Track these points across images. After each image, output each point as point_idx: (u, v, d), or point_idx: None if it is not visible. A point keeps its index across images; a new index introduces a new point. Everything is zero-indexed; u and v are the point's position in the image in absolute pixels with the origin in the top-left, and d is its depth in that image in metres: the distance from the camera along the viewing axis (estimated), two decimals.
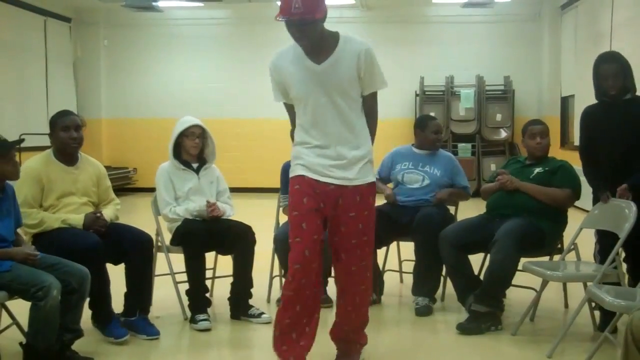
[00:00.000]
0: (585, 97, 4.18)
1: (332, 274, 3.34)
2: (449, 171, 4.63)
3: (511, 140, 11.16)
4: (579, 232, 3.93)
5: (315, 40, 2.95)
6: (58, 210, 3.73)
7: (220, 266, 4.65)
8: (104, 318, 3.75)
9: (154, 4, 10.45)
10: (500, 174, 4.19)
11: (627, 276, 3.77)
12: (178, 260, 4.14)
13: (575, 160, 4.08)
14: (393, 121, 10.24)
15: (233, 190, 4.54)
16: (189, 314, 4.11)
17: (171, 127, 4.31)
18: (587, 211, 3.98)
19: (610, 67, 3.76)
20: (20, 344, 3.27)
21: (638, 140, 3.71)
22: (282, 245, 4.10)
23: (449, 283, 4.35)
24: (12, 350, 3.43)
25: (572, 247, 3.93)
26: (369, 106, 3.14)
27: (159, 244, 4.25)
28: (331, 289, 4.40)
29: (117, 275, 3.86)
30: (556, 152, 7.97)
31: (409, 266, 4.70)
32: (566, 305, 4.43)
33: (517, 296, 4.42)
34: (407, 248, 4.74)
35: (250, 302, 4.21)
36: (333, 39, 3.02)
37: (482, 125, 11.19)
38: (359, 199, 3.07)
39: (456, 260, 4.14)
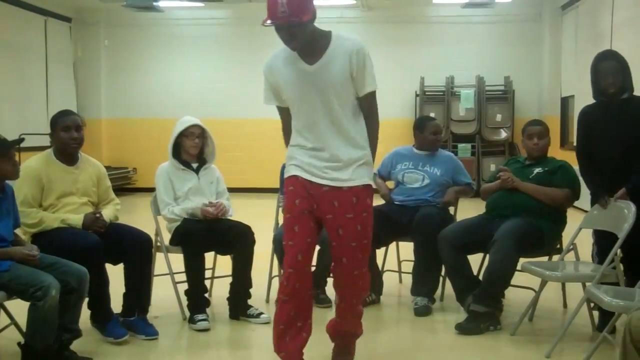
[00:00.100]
0: (585, 97, 4.17)
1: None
2: (450, 170, 4.63)
3: (511, 140, 11.16)
4: (578, 232, 3.94)
5: (306, 42, 2.89)
6: (58, 210, 3.73)
7: (219, 266, 4.65)
8: (103, 318, 3.75)
9: (154, 4, 10.45)
10: (502, 171, 4.19)
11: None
12: (177, 260, 4.14)
13: (575, 161, 4.08)
14: (393, 121, 10.23)
15: (233, 190, 4.54)
16: (187, 314, 4.11)
17: (171, 127, 4.31)
18: (586, 211, 3.98)
19: (609, 65, 3.76)
20: (19, 344, 3.28)
21: (636, 140, 3.71)
22: (281, 245, 4.06)
23: (448, 283, 4.35)
24: (11, 351, 3.43)
25: (571, 247, 3.93)
26: (367, 107, 3.06)
27: (158, 244, 4.25)
28: (330, 289, 4.41)
29: (116, 275, 3.86)
30: (556, 152, 7.96)
31: (408, 266, 4.71)
32: (565, 306, 4.43)
33: (516, 296, 4.42)
34: (407, 248, 4.74)
35: (249, 302, 4.21)
36: (325, 39, 2.96)
37: (482, 126, 11.19)
38: (355, 200, 2.99)
39: (455, 261, 4.14)
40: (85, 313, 3.57)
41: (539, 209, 4.01)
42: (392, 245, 4.85)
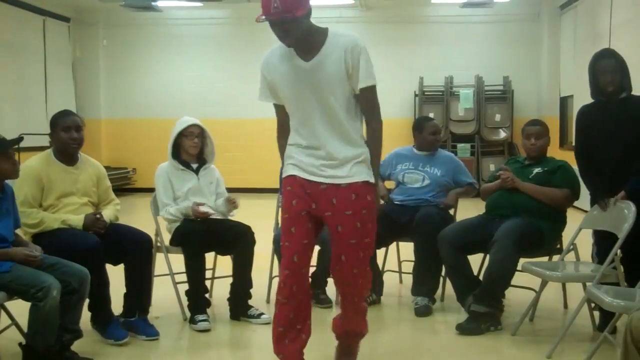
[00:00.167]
0: (584, 97, 4.17)
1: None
2: (450, 171, 4.63)
3: (510, 140, 11.17)
4: (578, 232, 3.94)
5: (300, 38, 2.87)
6: (58, 211, 3.73)
7: (219, 266, 4.65)
8: (103, 320, 3.75)
9: (153, 3, 10.45)
10: (503, 170, 4.19)
11: None
12: (177, 260, 4.14)
13: (574, 161, 4.08)
14: (392, 121, 10.19)
15: (233, 190, 4.54)
16: (188, 314, 4.11)
17: (171, 127, 4.31)
18: (586, 211, 3.99)
19: (608, 63, 3.77)
20: (20, 344, 3.27)
21: (635, 139, 3.71)
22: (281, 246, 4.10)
23: (449, 283, 4.35)
24: (12, 351, 3.43)
25: (571, 247, 3.93)
26: (367, 104, 2.98)
27: (159, 244, 4.25)
28: (330, 288, 4.41)
29: (116, 275, 3.86)
30: (555, 152, 7.96)
31: (408, 267, 4.71)
32: (565, 306, 4.43)
33: (516, 296, 4.42)
34: (407, 249, 4.74)
35: (250, 302, 4.21)
36: (321, 36, 2.92)
37: (481, 126, 11.19)
38: (354, 197, 2.94)
39: (455, 261, 4.14)
40: (85, 314, 3.57)
41: (539, 209, 4.01)
42: (392, 246, 4.85)
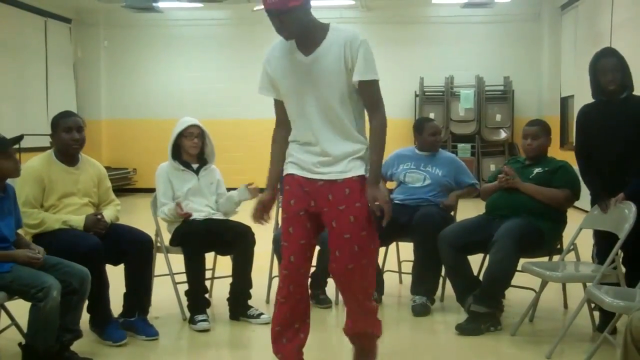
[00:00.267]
0: (585, 97, 4.17)
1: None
2: (452, 171, 4.64)
3: (511, 140, 11.17)
4: (579, 232, 3.93)
5: (300, 33, 2.85)
6: (59, 211, 3.73)
7: (219, 267, 4.65)
8: (102, 321, 3.75)
9: (154, 4, 10.45)
10: (504, 169, 4.18)
11: None
12: (177, 260, 4.14)
13: (574, 161, 4.07)
14: (392, 121, 10.00)
15: (233, 190, 4.54)
16: (188, 314, 4.11)
17: (171, 127, 4.31)
18: (587, 211, 3.98)
19: (609, 61, 3.76)
20: (20, 344, 3.27)
21: (636, 138, 3.70)
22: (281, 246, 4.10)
23: (448, 283, 4.35)
24: (12, 351, 3.43)
25: (572, 247, 3.93)
26: (368, 99, 2.91)
27: (159, 244, 4.25)
28: (330, 289, 4.42)
29: (116, 276, 3.86)
30: (555, 152, 7.97)
31: (408, 267, 4.70)
32: (565, 306, 4.43)
33: (516, 297, 4.42)
34: (407, 249, 4.74)
35: (250, 302, 4.21)
36: (322, 31, 2.90)
37: (482, 126, 11.19)
38: (347, 191, 2.89)
39: (455, 261, 4.14)
40: (85, 315, 3.57)
41: (539, 209, 4.00)
42: (392, 246, 4.85)
